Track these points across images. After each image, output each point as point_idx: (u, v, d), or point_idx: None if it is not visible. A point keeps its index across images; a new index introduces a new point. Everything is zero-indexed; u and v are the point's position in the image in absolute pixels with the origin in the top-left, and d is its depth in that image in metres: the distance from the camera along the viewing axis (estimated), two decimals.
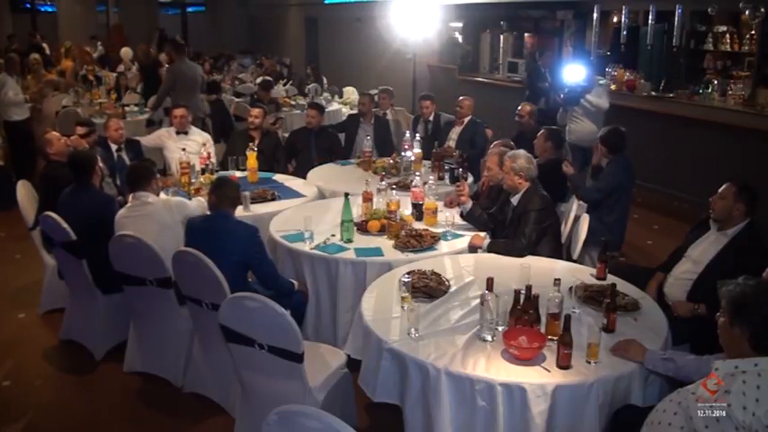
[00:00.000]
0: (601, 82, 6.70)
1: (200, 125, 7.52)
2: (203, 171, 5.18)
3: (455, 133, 6.23)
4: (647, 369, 2.58)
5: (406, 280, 3.06)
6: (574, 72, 6.45)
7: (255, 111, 6.20)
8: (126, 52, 12.57)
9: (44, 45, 12.40)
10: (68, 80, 10.12)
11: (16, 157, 7.58)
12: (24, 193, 4.66)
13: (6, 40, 13.39)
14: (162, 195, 4.17)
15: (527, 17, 10.64)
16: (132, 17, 17.22)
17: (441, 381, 2.54)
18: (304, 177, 5.52)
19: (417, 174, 4.82)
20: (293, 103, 9.46)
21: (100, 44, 13.45)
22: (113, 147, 5.57)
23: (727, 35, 8.16)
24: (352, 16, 13.86)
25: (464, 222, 4.17)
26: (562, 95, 6.57)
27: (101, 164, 4.56)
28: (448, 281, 3.30)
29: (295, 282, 3.74)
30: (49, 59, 11.60)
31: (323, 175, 5.56)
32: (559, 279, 2.85)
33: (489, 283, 2.79)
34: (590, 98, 6.24)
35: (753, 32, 7.66)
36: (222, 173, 5.32)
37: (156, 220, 3.82)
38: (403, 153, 5.64)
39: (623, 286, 3.23)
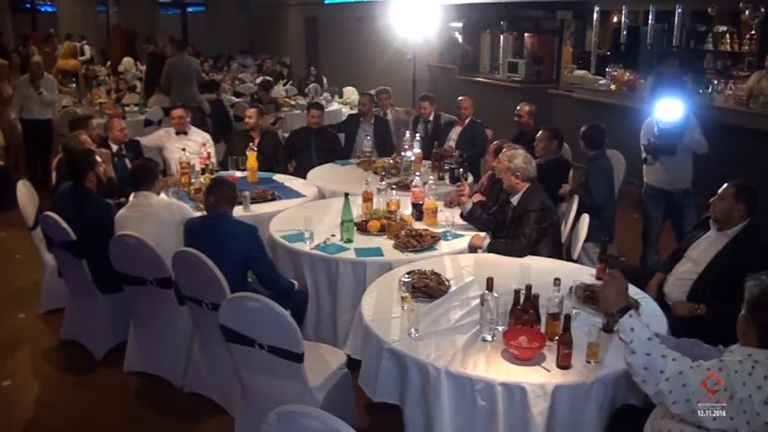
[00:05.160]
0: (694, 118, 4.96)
1: (199, 122, 7.54)
2: (203, 171, 5.18)
3: (455, 133, 6.23)
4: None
5: (406, 280, 3.06)
6: (669, 109, 4.71)
7: (250, 111, 6.18)
8: (128, 62, 12.56)
9: (21, 48, 12.31)
10: (81, 85, 10.15)
11: (31, 156, 7.61)
12: (24, 193, 4.66)
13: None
14: (162, 196, 4.17)
15: (527, 17, 10.66)
16: (132, 17, 17.24)
17: (441, 381, 2.54)
18: (304, 177, 5.51)
19: (417, 174, 4.82)
20: (293, 103, 9.46)
21: (56, 41, 13.38)
22: (114, 147, 5.57)
23: (727, 35, 8.16)
24: (352, 16, 13.87)
25: (464, 222, 4.17)
26: (651, 139, 4.88)
27: (103, 167, 4.55)
28: (448, 281, 3.29)
29: (295, 282, 3.74)
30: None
31: (323, 175, 5.56)
32: (559, 279, 2.84)
33: (489, 283, 2.78)
34: (696, 137, 4.82)
35: (753, 32, 7.67)
36: (222, 173, 5.32)
37: (155, 220, 3.82)
38: (403, 153, 5.65)
39: None
